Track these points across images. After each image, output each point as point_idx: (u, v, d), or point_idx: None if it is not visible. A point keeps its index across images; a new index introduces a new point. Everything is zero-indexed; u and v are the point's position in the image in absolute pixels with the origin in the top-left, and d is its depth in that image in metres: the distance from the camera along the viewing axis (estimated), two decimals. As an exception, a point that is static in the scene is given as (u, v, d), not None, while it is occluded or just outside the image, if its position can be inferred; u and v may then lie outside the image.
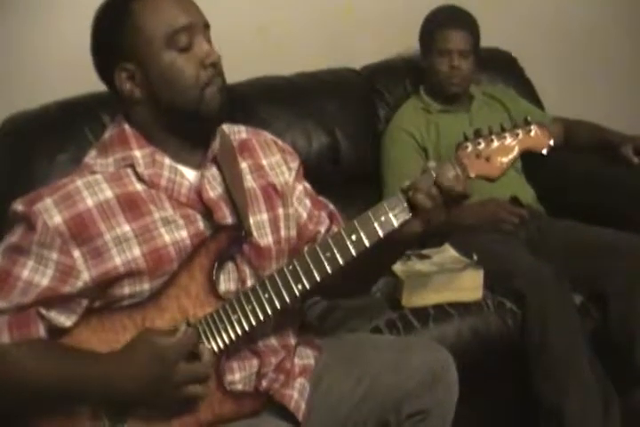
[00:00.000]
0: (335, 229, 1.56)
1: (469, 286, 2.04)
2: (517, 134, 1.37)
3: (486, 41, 2.51)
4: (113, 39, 1.37)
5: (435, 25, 2.46)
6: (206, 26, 1.40)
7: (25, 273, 1.33)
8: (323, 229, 1.57)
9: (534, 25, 3.03)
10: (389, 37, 2.72)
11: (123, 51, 1.37)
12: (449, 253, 2.11)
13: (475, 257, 2.07)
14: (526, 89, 2.79)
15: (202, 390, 1.35)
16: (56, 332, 1.37)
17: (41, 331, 1.34)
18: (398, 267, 2.02)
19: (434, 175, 1.36)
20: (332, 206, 1.63)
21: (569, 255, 2.20)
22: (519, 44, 2.84)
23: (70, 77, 2.18)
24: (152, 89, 1.37)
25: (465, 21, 2.45)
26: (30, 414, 1.36)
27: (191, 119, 1.39)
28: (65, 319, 1.36)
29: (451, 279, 2.03)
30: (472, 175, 1.37)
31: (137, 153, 1.40)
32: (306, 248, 1.44)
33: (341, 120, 2.48)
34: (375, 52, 2.66)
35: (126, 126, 1.42)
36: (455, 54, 2.40)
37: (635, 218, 2.31)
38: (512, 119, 2.54)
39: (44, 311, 1.34)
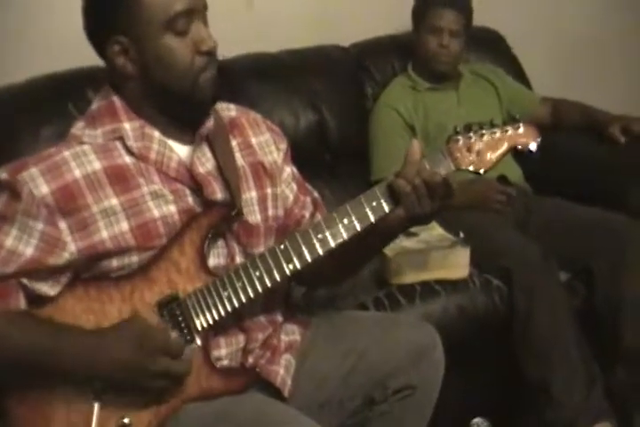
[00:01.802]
0: (318, 215, 1.57)
1: (456, 263, 2.05)
2: (506, 131, 1.41)
3: (475, 19, 2.50)
4: (109, 10, 1.34)
5: (428, 1, 2.44)
6: (205, 7, 1.38)
7: (8, 241, 1.32)
8: (307, 214, 1.58)
9: (523, 4, 3.01)
10: (378, 15, 2.70)
11: (118, 24, 1.34)
12: (436, 230, 2.11)
13: (461, 235, 2.07)
14: (514, 68, 2.78)
15: (175, 386, 1.34)
16: (40, 300, 1.36)
17: (21, 302, 1.33)
18: (385, 244, 2.02)
19: (427, 166, 1.37)
20: (316, 194, 1.64)
21: (555, 233, 2.21)
22: (507, 23, 2.83)
23: (64, 51, 2.16)
24: (145, 67, 1.36)
25: (459, 1, 2.43)
26: (15, 391, 1.35)
27: (183, 102, 1.39)
28: (49, 289, 1.35)
29: (438, 257, 2.03)
30: (463, 168, 1.40)
31: (126, 125, 1.39)
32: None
33: (329, 98, 2.47)
34: (363, 29, 2.64)
35: (115, 98, 1.40)
36: (445, 33, 2.39)
37: (621, 196, 2.32)
38: (500, 98, 2.56)
39: (26, 282, 1.33)
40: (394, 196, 1.38)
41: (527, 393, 2.03)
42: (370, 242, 1.47)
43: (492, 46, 2.80)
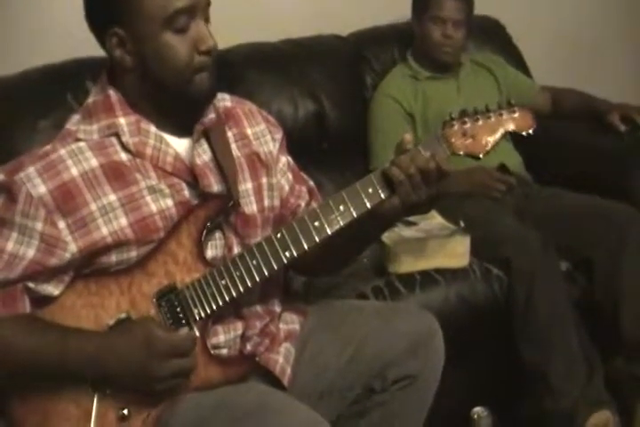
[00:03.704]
0: (314, 204, 1.57)
1: (456, 252, 2.04)
2: (501, 115, 1.41)
3: (475, 9, 2.49)
4: (108, 1, 1.33)
5: None
6: (208, 3, 1.37)
7: (9, 245, 1.32)
8: (303, 204, 1.57)
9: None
10: (376, 4, 2.69)
11: (116, 16, 1.33)
12: (436, 219, 2.10)
13: (461, 224, 2.07)
14: (514, 57, 2.78)
15: (182, 383, 1.34)
16: (42, 299, 1.36)
17: (27, 306, 1.34)
18: (385, 233, 2.01)
19: (422, 152, 1.37)
20: (311, 183, 1.63)
21: (555, 222, 2.20)
22: (508, 12, 2.82)
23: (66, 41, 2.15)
24: (143, 61, 1.35)
25: None
26: (16, 388, 1.36)
27: (177, 99, 1.38)
28: (53, 289, 1.36)
29: (437, 246, 2.03)
30: (459, 153, 1.40)
31: (122, 120, 1.38)
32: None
33: (328, 87, 2.46)
34: (362, 18, 2.64)
35: (111, 92, 1.39)
36: (449, 23, 2.38)
37: (621, 185, 2.31)
38: (500, 87, 2.55)
39: (31, 285, 1.33)
40: (389, 183, 1.37)
41: (527, 382, 2.03)
42: (367, 230, 1.47)
43: (493, 35, 2.79)
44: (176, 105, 1.39)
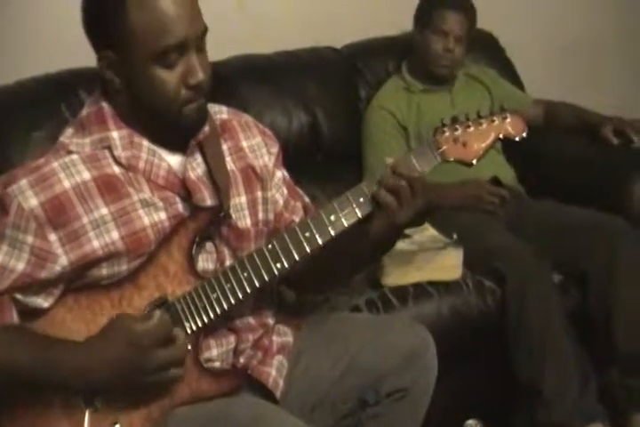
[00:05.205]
0: None
1: (449, 264, 2.05)
2: (493, 121, 1.40)
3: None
4: (101, 26, 1.32)
5: (437, 2, 2.43)
6: (204, 33, 1.34)
7: None
8: (297, 219, 1.56)
9: (519, 6, 3.02)
10: (370, 16, 2.70)
11: (108, 41, 1.31)
12: (429, 231, 2.11)
13: (455, 236, 2.07)
14: (507, 70, 2.79)
15: (177, 373, 1.33)
16: (32, 313, 1.35)
17: (14, 317, 1.33)
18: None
19: (413, 161, 1.37)
20: (307, 199, 1.61)
21: (548, 235, 2.21)
22: (502, 25, 2.83)
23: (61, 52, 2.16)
24: (131, 87, 1.34)
25: (467, 6, 2.43)
26: (6, 406, 1.35)
27: (168, 125, 1.37)
28: (42, 301, 1.35)
29: (430, 258, 2.03)
30: (450, 159, 1.39)
31: (114, 134, 1.37)
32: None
33: (322, 99, 2.47)
34: (356, 30, 2.64)
35: (104, 104, 1.39)
36: (451, 37, 2.39)
37: (614, 198, 2.32)
38: (493, 100, 2.56)
39: (19, 296, 1.33)
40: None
41: (520, 394, 2.03)
42: (362, 252, 1.45)
43: (486, 48, 2.79)
44: (166, 130, 1.38)
